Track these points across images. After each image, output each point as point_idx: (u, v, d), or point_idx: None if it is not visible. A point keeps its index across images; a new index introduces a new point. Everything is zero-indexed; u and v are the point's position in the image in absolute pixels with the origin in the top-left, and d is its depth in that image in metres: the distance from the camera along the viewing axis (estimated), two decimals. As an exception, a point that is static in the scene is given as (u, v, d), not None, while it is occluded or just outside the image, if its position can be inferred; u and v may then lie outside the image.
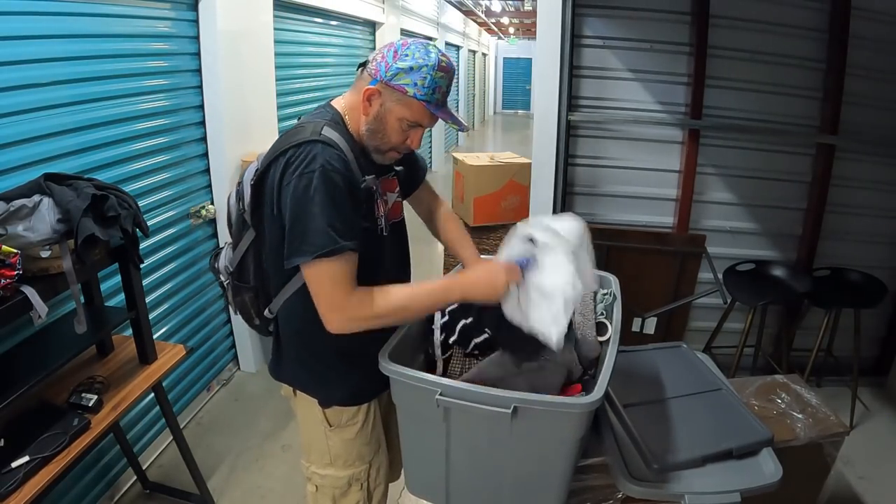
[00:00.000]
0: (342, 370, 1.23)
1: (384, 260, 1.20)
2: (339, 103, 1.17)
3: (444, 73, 1.08)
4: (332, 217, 1.02)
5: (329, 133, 1.07)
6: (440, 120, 1.13)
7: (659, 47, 2.56)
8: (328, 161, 1.02)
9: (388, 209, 1.21)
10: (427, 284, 1.13)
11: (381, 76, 1.07)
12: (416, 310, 1.15)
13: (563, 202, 2.69)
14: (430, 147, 8.51)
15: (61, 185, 1.41)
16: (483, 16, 11.47)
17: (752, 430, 1.27)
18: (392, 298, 1.08)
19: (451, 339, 1.29)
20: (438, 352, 1.31)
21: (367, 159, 1.15)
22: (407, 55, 1.06)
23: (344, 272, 1.05)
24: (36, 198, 1.34)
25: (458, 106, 11.20)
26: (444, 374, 1.28)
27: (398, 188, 1.28)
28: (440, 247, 4.99)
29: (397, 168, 1.29)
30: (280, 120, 3.12)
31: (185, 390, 2.52)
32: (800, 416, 1.54)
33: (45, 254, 1.34)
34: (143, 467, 2.16)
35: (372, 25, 5.27)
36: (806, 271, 2.63)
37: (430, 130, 9.60)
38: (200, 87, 2.48)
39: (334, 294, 1.05)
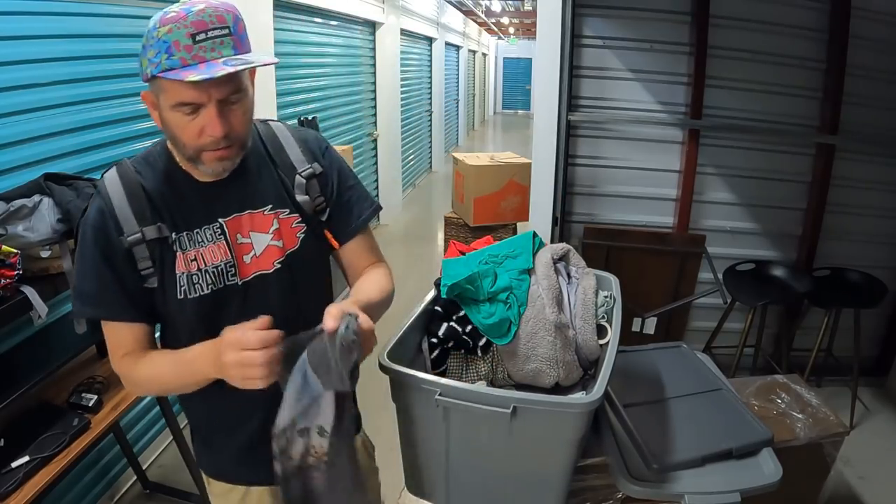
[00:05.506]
0: (203, 435, 1.13)
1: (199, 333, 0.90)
2: None
3: (175, 22, 0.79)
4: (79, 277, 0.90)
5: (111, 174, 0.91)
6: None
7: (659, 47, 2.56)
8: (89, 213, 0.89)
9: (255, 257, 0.95)
10: (180, 354, 0.89)
11: (141, 75, 0.85)
12: (168, 383, 0.97)
13: (563, 202, 2.69)
14: (430, 147, 8.48)
15: (61, 185, 1.41)
16: (483, 16, 11.46)
17: (752, 430, 1.26)
18: (144, 370, 0.91)
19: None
20: (428, 364, 1.29)
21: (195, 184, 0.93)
22: (142, 35, 0.83)
23: (109, 336, 0.92)
24: (36, 198, 1.35)
25: (457, 106, 11.04)
26: (444, 374, 1.28)
27: (274, 227, 0.96)
28: (440, 247, 4.93)
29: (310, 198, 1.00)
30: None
31: (185, 390, 2.51)
32: (800, 416, 1.54)
33: (45, 254, 1.34)
34: (143, 467, 2.16)
35: (372, 25, 5.27)
36: (806, 271, 2.63)
37: (430, 131, 9.30)
38: (200, 87, 2.47)
39: (111, 352, 0.94)
